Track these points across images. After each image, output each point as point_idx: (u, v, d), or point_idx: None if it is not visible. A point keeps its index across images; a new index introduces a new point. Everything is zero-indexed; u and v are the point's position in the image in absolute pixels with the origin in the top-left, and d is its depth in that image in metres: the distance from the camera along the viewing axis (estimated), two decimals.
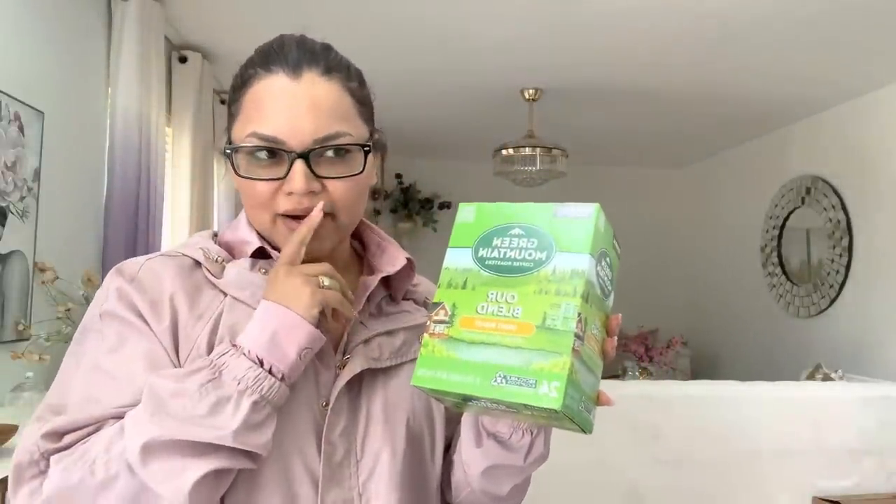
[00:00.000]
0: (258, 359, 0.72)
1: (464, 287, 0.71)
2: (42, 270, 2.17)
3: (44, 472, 0.71)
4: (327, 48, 0.84)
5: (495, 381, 0.65)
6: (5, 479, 1.41)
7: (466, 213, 0.75)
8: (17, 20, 2.13)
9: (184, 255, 0.84)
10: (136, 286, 0.79)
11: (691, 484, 2.46)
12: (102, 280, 0.83)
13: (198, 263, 0.83)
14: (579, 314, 0.65)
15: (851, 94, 4.04)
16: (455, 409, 0.78)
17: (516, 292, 0.68)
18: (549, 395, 0.63)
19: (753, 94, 4.04)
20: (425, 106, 4.44)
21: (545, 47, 3.36)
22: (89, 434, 0.72)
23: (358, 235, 0.95)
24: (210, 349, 0.76)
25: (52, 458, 0.71)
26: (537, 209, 0.72)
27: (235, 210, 3.92)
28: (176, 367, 0.76)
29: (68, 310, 2.19)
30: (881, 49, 3.28)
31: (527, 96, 4.00)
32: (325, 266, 0.77)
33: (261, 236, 0.85)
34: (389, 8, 2.95)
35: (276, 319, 0.73)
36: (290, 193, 0.79)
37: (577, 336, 0.65)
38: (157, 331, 0.77)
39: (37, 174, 2.18)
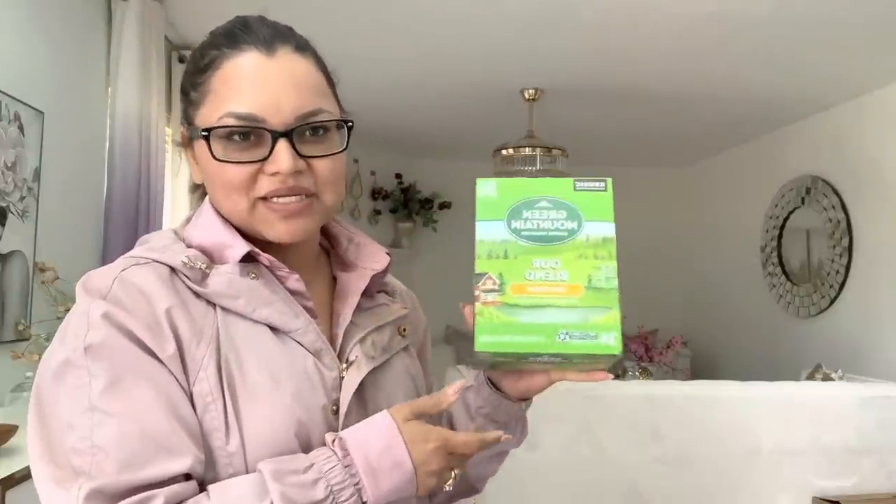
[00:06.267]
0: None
1: (506, 257, 0.75)
2: (42, 270, 2.17)
3: None
4: (291, 28, 0.81)
5: (559, 337, 0.73)
6: (5, 479, 1.41)
7: (487, 188, 0.77)
8: (17, 20, 2.13)
9: (155, 261, 0.75)
10: (122, 307, 0.70)
11: (691, 484, 2.46)
12: None
13: (173, 270, 0.75)
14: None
15: (851, 94, 4.04)
16: (499, 368, 0.84)
17: (559, 259, 0.75)
18: (610, 343, 0.72)
19: (753, 95, 4.04)
20: (425, 106, 4.43)
21: (545, 47, 3.36)
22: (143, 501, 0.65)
23: (325, 230, 0.91)
24: (219, 373, 0.72)
25: None
26: (558, 183, 0.78)
27: None
28: (187, 392, 0.71)
29: (68, 310, 2.19)
30: (881, 49, 3.28)
31: (527, 96, 4.00)
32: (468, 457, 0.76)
33: (245, 238, 0.78)
34: (388, 8, 2.95)
35: (409, 488, 0.72)
36: (273, 174, 0.74)
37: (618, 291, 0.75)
38: (164, 359, 0.70)
39: (37, 174, 2.19)
